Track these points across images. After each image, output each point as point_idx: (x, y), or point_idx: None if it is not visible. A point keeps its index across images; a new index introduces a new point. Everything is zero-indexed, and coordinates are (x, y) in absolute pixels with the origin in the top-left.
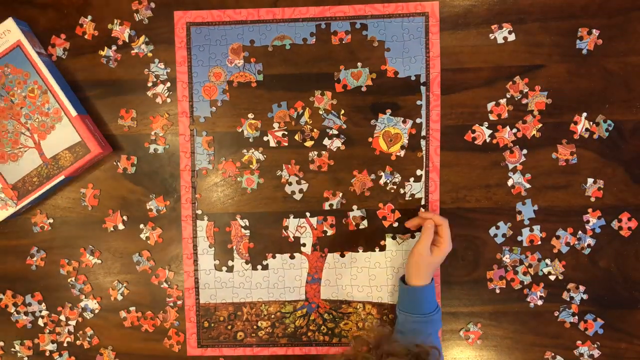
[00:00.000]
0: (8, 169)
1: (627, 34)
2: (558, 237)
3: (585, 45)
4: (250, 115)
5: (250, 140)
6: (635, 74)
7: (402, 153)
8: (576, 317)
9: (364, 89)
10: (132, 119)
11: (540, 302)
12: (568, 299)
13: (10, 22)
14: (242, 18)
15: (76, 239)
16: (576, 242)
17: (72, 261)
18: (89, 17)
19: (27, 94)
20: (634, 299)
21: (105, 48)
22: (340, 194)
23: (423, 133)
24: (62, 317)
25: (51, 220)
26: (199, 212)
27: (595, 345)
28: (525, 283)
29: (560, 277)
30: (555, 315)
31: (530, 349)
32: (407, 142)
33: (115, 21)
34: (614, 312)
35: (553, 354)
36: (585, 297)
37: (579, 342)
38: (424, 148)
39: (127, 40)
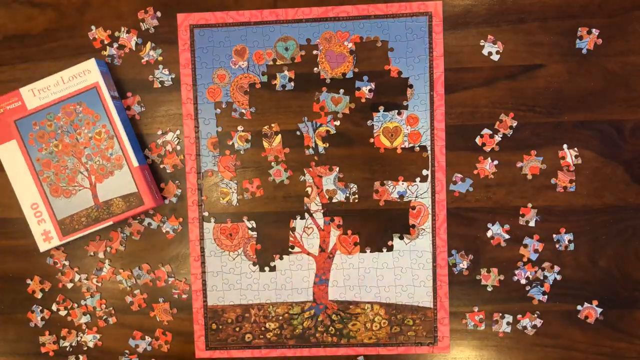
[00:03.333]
0: (59, 203)
1: (627, 34)
2: (558, 238)
3: (585, 45)
4: (240, 128)
5: (242, 152)
6: (635, 74)
7: (407, 144)
8: (546, 297)
9: (340, 115)
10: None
11: (542, 298)
12: (542, 278)
13: (91, 63)
14: (245, 19)
15: (78, 240)
16: (576, 242)
17: (76, 263)
18: (93, 28)
19: (94, 136)
20: (634, 299)
21: (108, 48)
22: (337, 168)
23: (428, 133)
24: (62, 313)
25: (67, 263)
26: (205, 214)
27: (536, 315)
28: (525, 282)
29: (559, 278)
30: (527, 289)
31: (531, 349)
32: (408, 132)
33: (123, 29)
34: (614, 312)
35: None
36: (559, 277)
37: (519, 317)
38: (429, 148)
39: (133, 49)
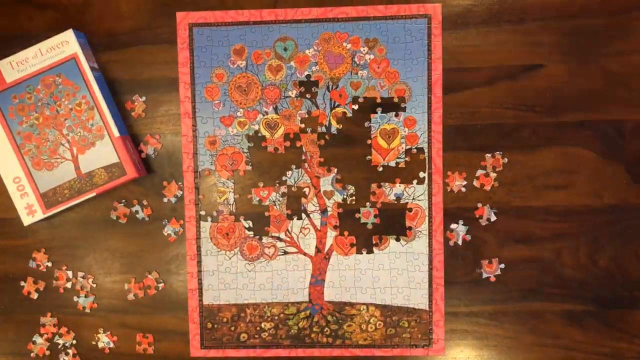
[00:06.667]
0: (42, 176)
1: (627, 34)
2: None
3: None
4: (239, 113)
5: (240, 138)
6: (636, 74)
7: (404, 146)
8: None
9: (361, 99)
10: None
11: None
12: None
13: (69, 34)
14: (244, 19)
15: (75, 239)
16: (576, 242)
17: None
18: None
19: (74, 107)
20: (634, 299)
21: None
22: (336, 169)
23: (425, 135)
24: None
25: (49, 264)
26: (202, 213)
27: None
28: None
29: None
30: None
31: (530, 349)
32: (405, 134)
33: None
34: (614, 312)
35: None
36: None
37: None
38: (426, 150)
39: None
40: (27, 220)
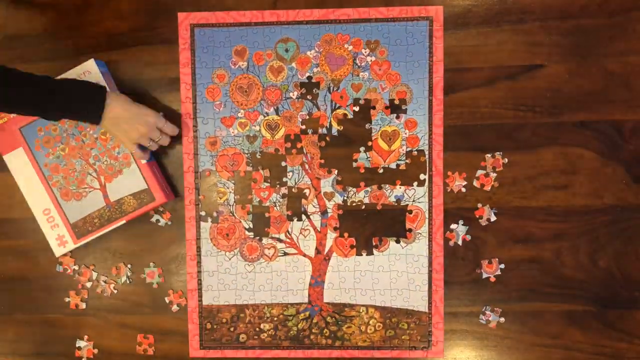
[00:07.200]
0: (71, 207)
1: (627, 34)
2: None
3: None
4: (240, 114)
5: (240, 139)
6: (635, 74)
7: (404, 148)
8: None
9: (362, 101)
10: None
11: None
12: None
13: (91, 63)
14: (246, 20)
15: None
16: (576, 242)
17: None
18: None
19: (99, 136)
20: (634, 299)
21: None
22: (336, 171)
23: (426, 137)
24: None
25: (76, 267)
26: (202, 213)
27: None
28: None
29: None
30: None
31: (531, 348)
32: (406, 136)
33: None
34: (614, 312)
35: None
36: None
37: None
38: (426, 152)
39: None
40: (58, 252)
